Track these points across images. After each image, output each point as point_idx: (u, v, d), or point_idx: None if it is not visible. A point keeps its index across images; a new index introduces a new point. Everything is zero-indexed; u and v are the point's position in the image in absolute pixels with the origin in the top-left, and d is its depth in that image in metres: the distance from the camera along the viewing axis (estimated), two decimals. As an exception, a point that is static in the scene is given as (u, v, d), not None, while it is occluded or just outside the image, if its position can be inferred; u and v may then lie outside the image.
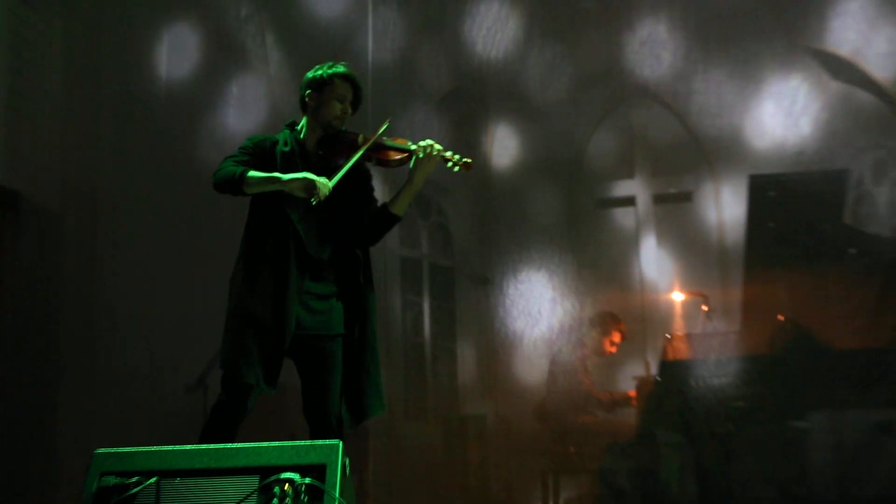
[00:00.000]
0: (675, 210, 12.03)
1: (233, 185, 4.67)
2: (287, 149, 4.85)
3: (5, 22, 7.86)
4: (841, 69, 10.78)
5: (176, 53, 9.03)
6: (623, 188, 12.22)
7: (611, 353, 9.67)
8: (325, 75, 4.86)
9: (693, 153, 11.92)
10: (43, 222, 8.04)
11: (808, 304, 8.45)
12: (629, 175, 12.21)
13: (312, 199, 4.54)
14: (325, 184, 4.59)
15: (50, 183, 8.26)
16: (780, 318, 8.49)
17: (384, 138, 4.89)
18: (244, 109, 9.37)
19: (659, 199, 12.04)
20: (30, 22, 8.11)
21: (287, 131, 4.98)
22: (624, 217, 12.18)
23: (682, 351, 8.66)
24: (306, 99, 4.92)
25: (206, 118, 9.06)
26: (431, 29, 10.60)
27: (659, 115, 12.09)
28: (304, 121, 5.00)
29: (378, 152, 4.87)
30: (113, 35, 8.82)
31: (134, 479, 3.55)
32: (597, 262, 11.83)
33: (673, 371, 8.44)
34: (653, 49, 11.73)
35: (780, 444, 8.52)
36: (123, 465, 3.63)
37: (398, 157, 4.91)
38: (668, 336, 9.00)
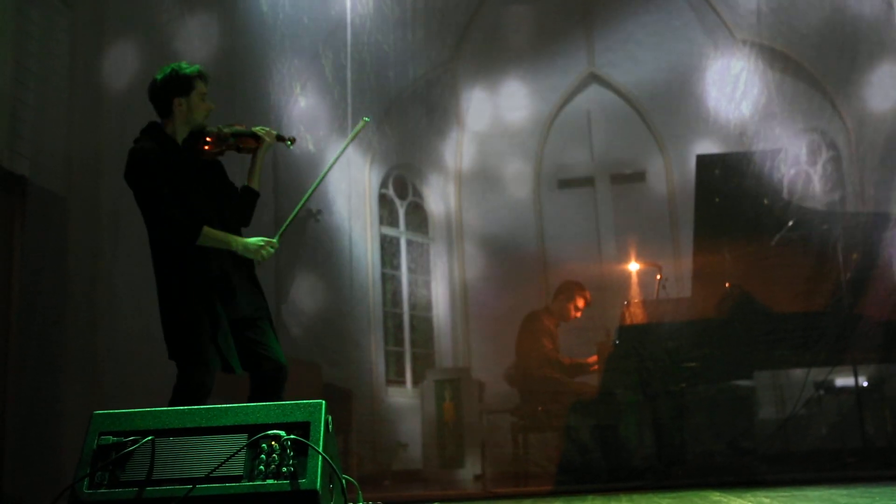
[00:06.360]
0: (630, 188, 12.03)
1: (190, 240, 4.47)
2: (169, 151, 4.61)
3: (10, 17, 7.69)
4: (776, 59, 10.81)
5: (174, 43, 8.86)
6: (582, 170, 12.20)
7: (575, 317, 9.62)
8: (186, 77, 4.59)
9: (645, 137, 11.93)
10: (48, 205, 7.87)
11: (751, 271, 8.43)
12: (588, 157, 12.19)
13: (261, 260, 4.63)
14: (274, 246, 4.65)
15: (55, 168, 8.10)
16: (727, 284, 8.46)
17: (238, 128, 4.80)
18: (237, 97, 9.23)
19: (615, 179, 12.04)
20: (33, 17, 7.94)
21: (155, 134, 4.63)
22: (584, 195, 12.15)
23: (638, 316, 8.63)
24: (172, 105, 4.61)
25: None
26: (405, 23, 10.50)
27: (614, 102, 12.09)
28: (170, 123, 4.64)
29: (239, 140, 4.79)
30: (115, 26, 8.65)
31: (130, 438, 3.46)
32: (560, 236, 11.82)
33: (630, 335, 8.41)
34: (608, 42, 11.73)
35: (728, 401, 8.51)
36: (121, 425, 3.53)
37: (253, 143, 4.84)
38: (626, 303, 8.97)
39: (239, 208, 4.82)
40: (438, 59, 11.51)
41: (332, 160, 4.90)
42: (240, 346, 4.61)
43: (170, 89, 4.61)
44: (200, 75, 4.64)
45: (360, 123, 4.93)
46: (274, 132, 4.89)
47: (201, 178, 4.67)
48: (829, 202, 10.74)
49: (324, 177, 4.87)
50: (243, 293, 4.63)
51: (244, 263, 4.69)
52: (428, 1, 10.63)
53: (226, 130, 4.75)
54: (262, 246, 4.61)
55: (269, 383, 4.60)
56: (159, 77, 4.63)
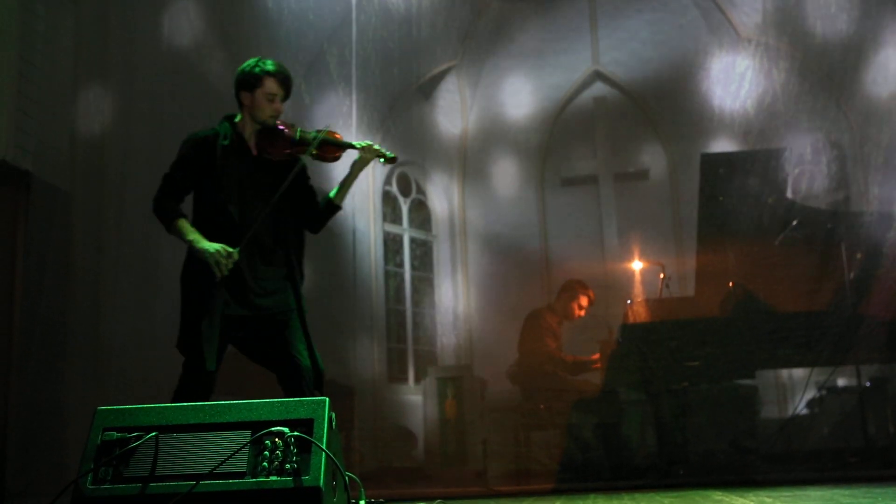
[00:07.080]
0: (633, 186, 12.04)
1: (162, 222, 4.58)
2: (227, 143, 4.62)
3: (15, 13, 7.69)
4: (780, 58, 10.81)
5: (179, 39, 8.86)
6: (586, 168, 12.21)
7: (579, 316, 9.62)
8: (254, 74, 4.63)
9: (649, 135, 11.94)
10: (52, 200, 7.86)
11: (755, 270, 8.40)
12: (592, 155, 12.20)
13: (217, 273, 4.38)
14: (231, 260, 4.39)
15: (59, 164, 8.10)
16: (730, 283, 8.44)
17: (328, 136, 4.71)
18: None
19: (619, 178, 12.05)
20: (38, 13, 7.94)
21: (227, 124, 4.71)
22: (587, 194, 12.16)
23: (641, 315, 8.60)
24: (240, 97, 4.69)
25: (208, 100, 8.89)
26: (410, 20, 10.51)
27: (618, 100, 12.10)
28: (239, 115, 4.73)
29: (320, 148, 4.70)
30: (119, 22, 8.65)
31: (134, 434, 3.46)
32: (563, 234, 11.84)
33: (633, 334, 8.37)
34: (612, 40, 11.73)
35: (730, 400, 8.51)
36: (124, 420, 3.52)
37: (337, 154, 4.79)
38: (629, 301, 8.95)
39: (308, 215, 4.85)
40: (443, 56, 11.54)
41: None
42: (262, 344, 4.61)
43: (239, 82, 4.68)
44: (272, 74, 4.63)
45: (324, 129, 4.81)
46: (375, 148, 4.78)
47: (259, 176, 4.65)
48: (834, 202, 10.72)
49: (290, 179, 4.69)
50: (265, 290, 4.60)
51: (277, 262, 4.68)
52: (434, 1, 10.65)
53: (307, 135, 4.69)
54: (215, 253, 4.39)
55: (288, 382, 4.54)
56: (239, 69, 4.70)
